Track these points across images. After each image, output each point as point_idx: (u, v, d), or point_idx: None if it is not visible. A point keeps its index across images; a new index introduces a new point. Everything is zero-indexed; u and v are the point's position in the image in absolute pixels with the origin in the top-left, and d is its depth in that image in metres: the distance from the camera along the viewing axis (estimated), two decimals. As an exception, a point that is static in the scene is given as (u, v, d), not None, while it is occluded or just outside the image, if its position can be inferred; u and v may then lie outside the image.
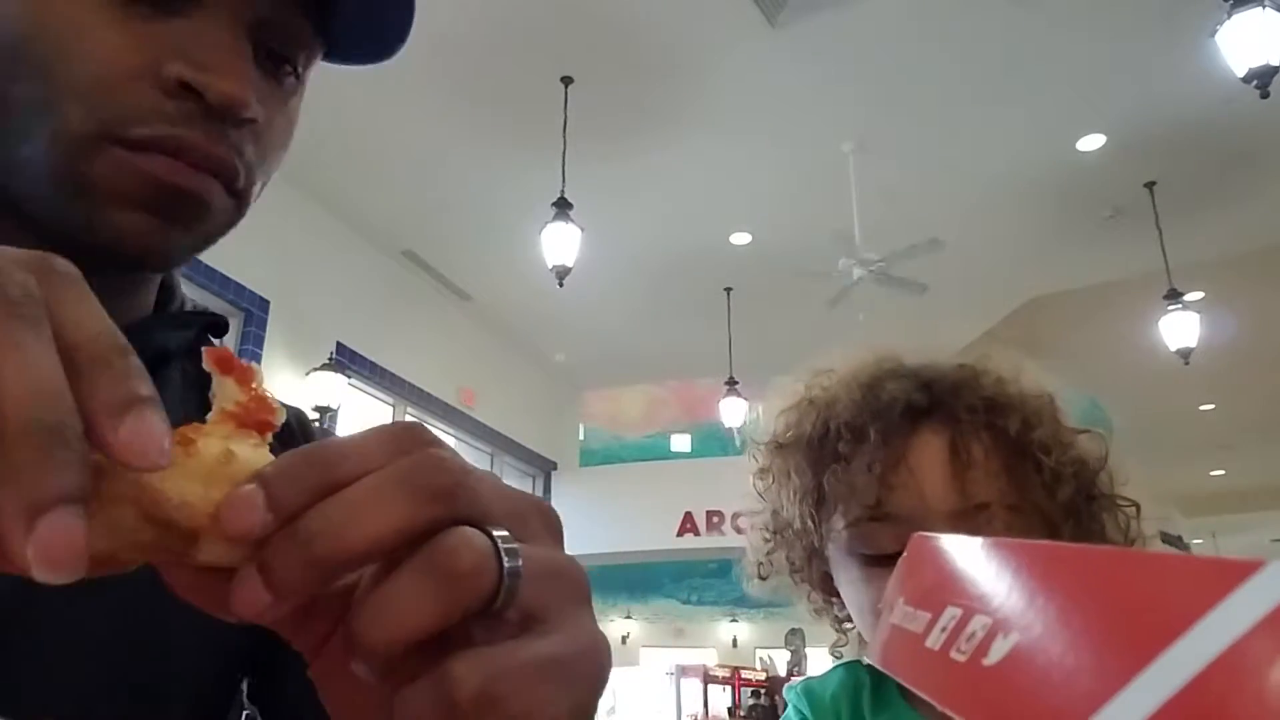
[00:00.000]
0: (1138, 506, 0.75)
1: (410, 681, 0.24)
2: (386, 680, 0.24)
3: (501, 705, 0.23)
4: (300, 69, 0.54)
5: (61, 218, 0.47)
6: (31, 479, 0.19)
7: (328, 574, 0.24)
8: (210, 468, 0.23)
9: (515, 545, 0.25)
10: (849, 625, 0.82)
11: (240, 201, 0.52)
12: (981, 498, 0.70)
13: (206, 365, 0.25)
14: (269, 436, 0.26)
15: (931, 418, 0.74)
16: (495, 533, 0.25)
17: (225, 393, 0.25)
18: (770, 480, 0.82)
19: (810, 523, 0.77)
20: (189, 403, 0.54)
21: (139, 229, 0.47)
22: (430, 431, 0.27)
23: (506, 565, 0.25)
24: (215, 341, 0.60)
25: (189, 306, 0.61)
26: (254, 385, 0.25)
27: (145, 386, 0.21)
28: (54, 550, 0.19)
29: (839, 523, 0.74)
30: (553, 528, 0.29)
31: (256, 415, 0.25)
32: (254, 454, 0.24)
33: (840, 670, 0.82)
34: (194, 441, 0.23)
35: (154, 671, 0.45)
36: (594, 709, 0.27)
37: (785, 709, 0.84)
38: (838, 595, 0.79)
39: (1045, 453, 0.71)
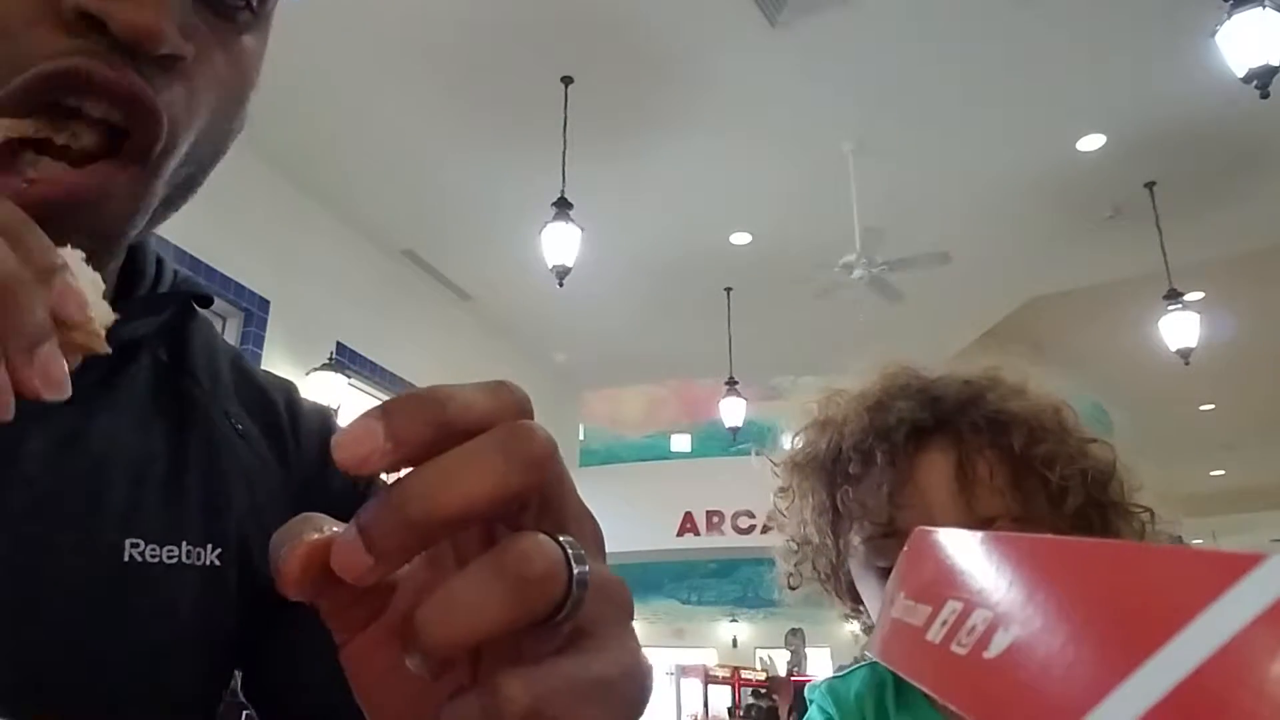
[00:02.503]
0: (1151, 512, 0.76)
1: (458, 687, 0.25)
2: (435, 678, 0.24)
3: None
4: (255, 2, 0.47)
5: None
6: (26, 327, 0.24)
7: (425, 536, 0.24)
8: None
9: (582, 552, 0.25)
10: None
11: (164, 153, 0.44)
12: (988, 513, 0.72)
13: None
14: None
15: (937, 436, 0.76)
16: (564, 541, 0.25)
17: None
18: (791, 498, 0.85)
19: (829, 539, 0.80)
20: (158, 394, 0.51)
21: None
22: (521, 391, 0.28)
23: (575, 574, 0.25)
24: (199, 315, 0.57)
25: (168, 283, 0.55)
26: None
27: (55, 255, 0.26)
28: (57, 377, 0.24)
29: (855, 538, 0.77)
30: (600, 540, 0.29)
31: None
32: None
33: (863, 670, 0.84)
34: None
35: (148, 666, 0.45)
36: None
37: (798, 709, 0.85)
38: (865, 602, 0.81)
39: (1050, 467, 0.73)
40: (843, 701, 0.82)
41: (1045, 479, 0.73)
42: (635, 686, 0.27)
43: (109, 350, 0.27)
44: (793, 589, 0.87)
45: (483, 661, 0.25)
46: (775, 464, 0.87)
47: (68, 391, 0.24)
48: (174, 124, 0.43)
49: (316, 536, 0.26)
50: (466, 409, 0.25)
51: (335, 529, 0.26)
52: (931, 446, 0.75)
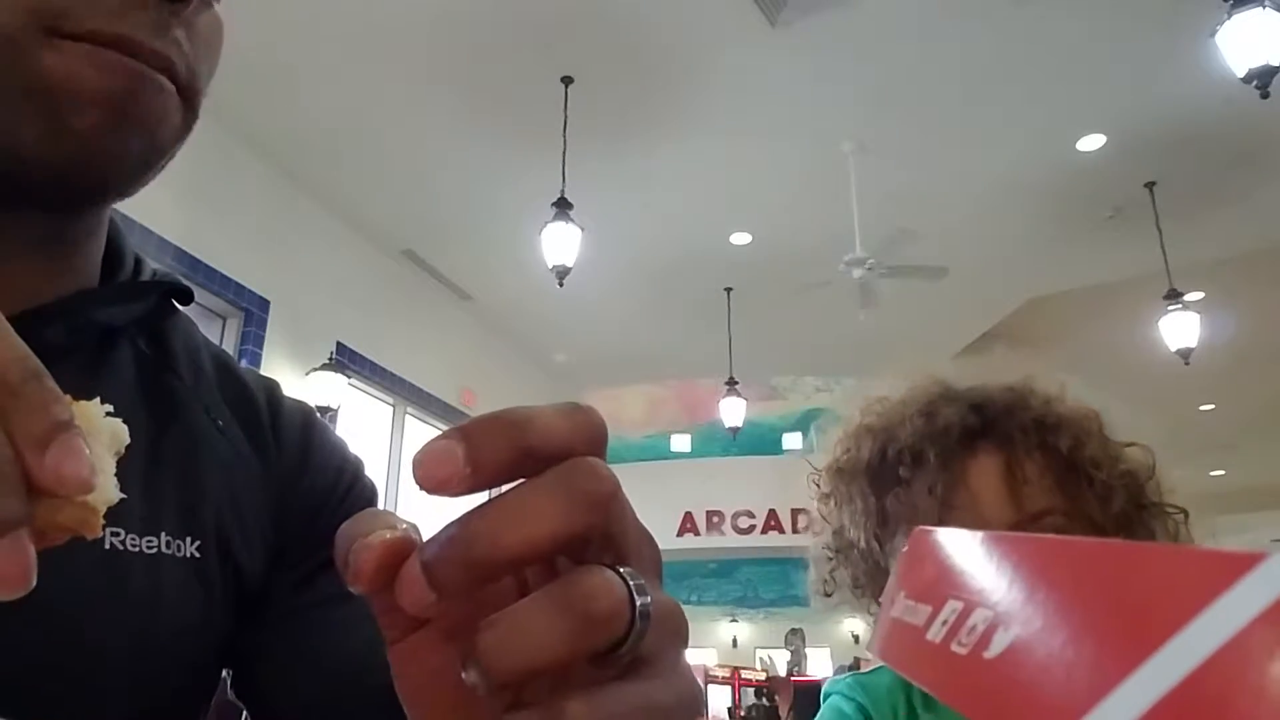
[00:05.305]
0: (1185, 513, 0.80)
1: (514, 701, 0.25)
2: (492, 695, 0.25)
3: None
4: None
5: (9, 140, 0.42)
6: None
7: (488, 574, 0.25)
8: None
9: (643, 582, 0.26)
10: None
11: (190, 107, 0.48)
12: (1037, 508, 0.75)
13: None
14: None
15: (986, 439, 0.79)
16: (626, 573, 0.25)
17: None
18: (832, 504, 0.87)
19: (875, 542, 0.82)
20: (139, 385, 0.51)
21: (101, 132, 0.42)
22: (598, 416, 0.28)
23: (638, 608, 0.25)
24: (180, 312, 0.57)
25: (147, 275, 0.55)
26: None
27: (62, 411, 0.21)
28: (10, 573, 0.20)
29: (902, 542, 0.78)
30: (659, 564, 0.29)
31: None
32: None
33: (886, 669, 0.84)
34: None
35: (134, 656, 0.45)
36: None
37: (799, 709, 0.85)
38: None
39: (1096, 468, 0.76)
40: (874, 694, 0.83)
41: (1091, 480, 0.76)
42: (689, 714, 0.27)
43: (100, 535, 0.23)
44: (827, 595, 0.89)
45: (541, 680, 0.25)
46: (816, 470, 0.88)
47: (29, 585, 0.20)
48: (193, 74, 0.47)
49: (390, 535, 0.26)
50: (546, 435, 0.26)
51: (405, 525, 0.26)
52: (981, 449, 0.78)
